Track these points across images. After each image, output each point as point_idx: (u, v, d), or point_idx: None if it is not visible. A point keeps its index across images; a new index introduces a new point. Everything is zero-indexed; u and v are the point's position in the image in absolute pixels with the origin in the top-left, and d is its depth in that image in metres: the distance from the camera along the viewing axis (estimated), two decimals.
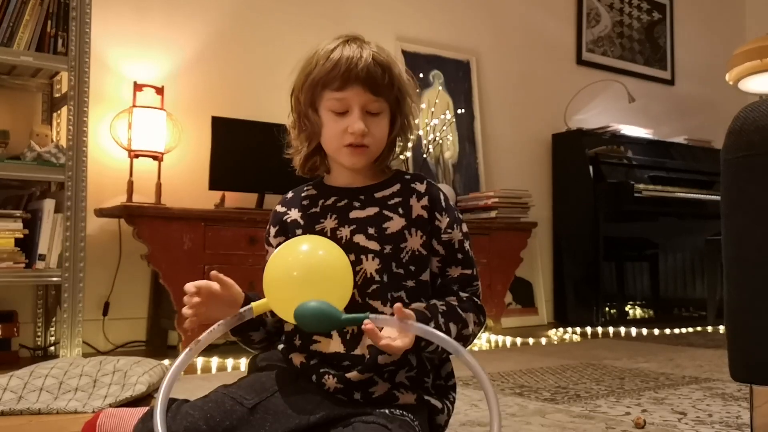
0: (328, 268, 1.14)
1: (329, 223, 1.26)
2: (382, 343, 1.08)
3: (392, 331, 1.09)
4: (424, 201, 1.26)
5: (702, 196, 4.40)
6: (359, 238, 1.23)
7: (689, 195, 4.36)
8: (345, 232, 1.24)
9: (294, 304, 1.12)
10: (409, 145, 3.81)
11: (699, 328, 3.92)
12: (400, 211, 1.25)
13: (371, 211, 1.26)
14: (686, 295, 4.78)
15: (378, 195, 1.27)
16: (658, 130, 4.87)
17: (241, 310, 1.16)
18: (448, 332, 1.18)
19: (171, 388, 1.07)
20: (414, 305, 1.19)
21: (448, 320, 1.19)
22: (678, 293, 4.78)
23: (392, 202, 1.26)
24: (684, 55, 5.49)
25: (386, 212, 1.25)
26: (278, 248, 1.19)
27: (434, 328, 1.14)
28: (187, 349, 1.10)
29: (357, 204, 1.27)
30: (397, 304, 1.09)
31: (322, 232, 1.26)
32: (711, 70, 5.40)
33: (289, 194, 1.36)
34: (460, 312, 1.22)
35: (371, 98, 1.22)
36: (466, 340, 1.23)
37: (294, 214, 1.30)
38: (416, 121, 1.34)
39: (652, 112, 5.12)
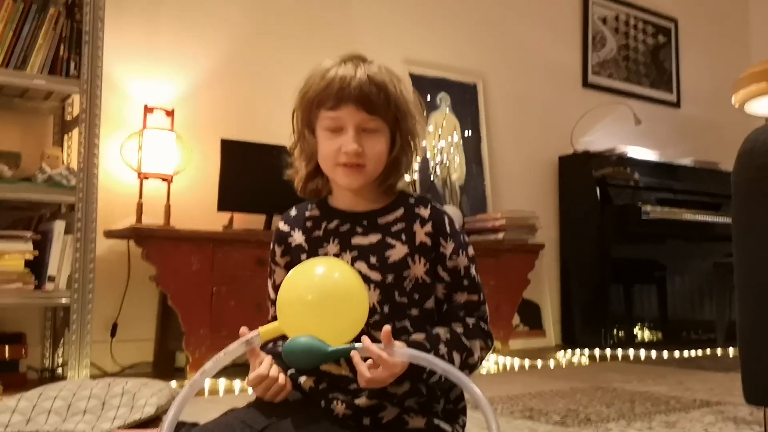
0: (344, 291, 1.12)
1: (332, 248, 1.25)
2: (366, 379, 1.08)
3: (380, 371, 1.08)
4: (428, 227, 1.24)
5: (709, 218, 4.39)
6: (361, 266, 1.21)
7: (696, 217, 4.35)
8: (346, 258, 1.23)
9: (308, 327, 1.10)
10: (416, 166, 3.79)
11: (708, 351, 3.90)
12: (403, 237, 1.23)
13: (374, 238, 1.24)
14: (695, 317, 4.75)
15: (381, 221, 1.25)
16: (664, 152, 4.88)
17: (249, 336, 1.12)
18: (451, 361, 1.16)
19: (174, 424, 1.05)
20: (414, 336, 1.18)
21: (452, 349, 1.18)
22: (686, 315, 4.75)
23: (395, 228, 1.24)
24: (689, 77, 5.51)
25: (389, 239, 1.23)
26: (292, 270, 1.17)
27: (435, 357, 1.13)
28: (191, 381, 1.08)
29: (359, 230, 1.25)
30: (386, 330, 1.08)
31: None
32: (716, 93, 5.41)
33: (293, 211, 1.34)
34: (465, 341, 1.20)
35: (366, 117, 1.20)
36: (472, 368, 1.22)
37: (298, 237, 1.29)
38: (421, 142, 1.30)
39: (658, 135, 5.13)
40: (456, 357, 1.18)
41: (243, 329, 1.13)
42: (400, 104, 1.24)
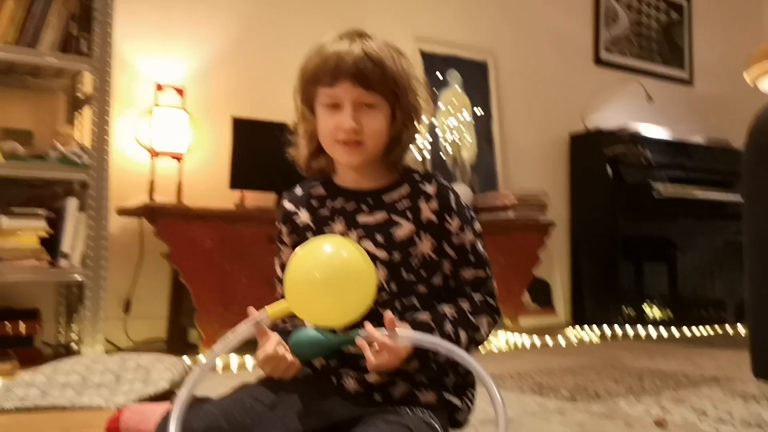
0: (352, 269, 1.12)
1: (337, 227, 1.25)
2: (373, 366, 1.10)
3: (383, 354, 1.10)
4: (434, 204, 1.24)
5: (720, 196, 4.38)
6: (367, 245, 1.21)
7: (707, 195, 4.34)
8: (352, 237, 1.23)
9: (316, 306, 1.11)
10: (425, 143, 3.76)
11: (718, 329, 3.90)
12: (409, 215, 1.23)
13: (379, 216, 1.24)
14: (705, 295, 4.75)
15: (386, 198, 1.25)
16: (676, 129, 4.84)
17: (257, 316, 1.14)
18: (457, 339, 1.17)
19: (186, 405, 1.07)
20: (420, 315, 1.19)
21: (458, 327, 1.18)
22: (697, 293, 4.75)
23: (401, 206, 1.24)
24: (702, 54, 5.46)
25: (395, 217, 1.23)
26: (299, 249, 1.16)
27: (440, 336, 1.14)
28: (202, 363, 1.10)
29: (365, 208, 1.25)
30: (387, 316, 1.10)
31: None
32: (729, 70, 5.35)
33: (297, 190, 1.34)
34: (471, 317, 1.21)
35: (362, 93, 1.19)
36: (479, 343, 1.23)
37: (304, 217, 1.29)
38: (427, 117, 1.28)
39: (670, 112, 5.10)
40: (462, 334, 1.19)
41: (251, 309, 1.14)
42: (399, 79, 1.22)
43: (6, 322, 2.64)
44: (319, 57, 1.20)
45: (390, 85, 1.21)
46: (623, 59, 4.98)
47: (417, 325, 1.16)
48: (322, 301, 1.10)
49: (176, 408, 1.06)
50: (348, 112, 1.19)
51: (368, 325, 1.10)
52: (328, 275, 1.10)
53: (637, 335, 3.71)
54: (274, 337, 1.15)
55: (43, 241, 2.58)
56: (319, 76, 1.20)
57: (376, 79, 1.19)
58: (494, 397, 1.06)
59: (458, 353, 1.10)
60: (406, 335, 1.10)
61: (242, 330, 1.12)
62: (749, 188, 1.16)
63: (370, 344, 1.10)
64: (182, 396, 1.07)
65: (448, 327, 1.17)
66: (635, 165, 4.34)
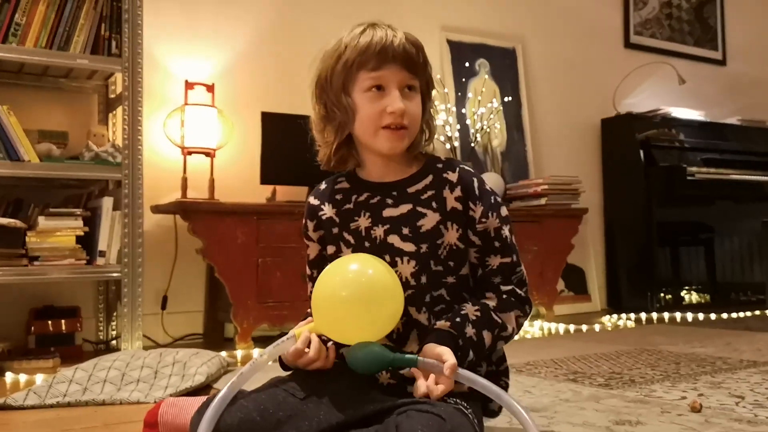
0: (378, 287, 1.13)
1: (363, 221, 1.25)
2: (421, 394, 1.11)
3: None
4: (458, 191, 1.23)
5: (758, 177, 4.30)
6: (393, 239, 1.21)
7: (744, 177, 4.26)
8: (379, 231, 1.23)
9: (343, 324, 1.12)
10: (454, 132, 3.74)
11: (757, 312, 3.84)
12: (434, 205, 1.23)
13: (404, 208, 1.23)
14: (744, 279, 4.67)
15: (411, 190, 1.25)
16: (710, 111, 4.77)
17: (284, 338, 1.16)
18: (480, 341, 1.17)
19: (213, 423, 1.09)
20: (439, 324, 1.18)
21: (480, 329, 1.18)
22: (735, 277, 4.67)
23: (425, 196, 1.24)
24: (735, 34, 5.35)
25: (420, 209, 1.23)
26: (327, 268, 1.18)
27: (462, 343, 1.15)
28: (229, 383, 1.12)
29: (390, 201, 1.25)
30: (450, 364, 1.09)
31: (356, 231, 1.25)
32: (764, 49, 5.25)
33: (322, 185, 1.35)
34: (496, 316, 1.20)
35: (408, 76, 1.20)
36: (507, 339, 1.23)
37: (328, 211, 1.29)
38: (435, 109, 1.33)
39: (703, 94, 5.02)
40: (486, 335, 1.18)
41: (290, 333, 1.17)
42: (431, 69, 1.26)
43: (48, 321, 2.70)
44: (360, 43, 1.20)
45: (427, 72, 1.24)
46: (654, 42, 4.90)
47: (436, 333, 1.17)
48: (349, 319, 1.11)
49: (206, 418, 1.07)
50: (396, 95, 1.19)
51: (421, 382, 1.12)
52: (354, 293, 1.11)
53: (673, 320, 3.67)
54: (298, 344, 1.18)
55: (80, 240, 2.63)
56: (363, 61, 1.20)
57: (419, 63, 1.21)
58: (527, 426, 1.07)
59: (504, 399, 1.10)
60: (463, 375, 1.11)
61: (271, 352, 1.16)
62: None
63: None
64: (212, 412, 1.08)
65: (470, 331, 1.17)
66: (668, 148, 4.29)
